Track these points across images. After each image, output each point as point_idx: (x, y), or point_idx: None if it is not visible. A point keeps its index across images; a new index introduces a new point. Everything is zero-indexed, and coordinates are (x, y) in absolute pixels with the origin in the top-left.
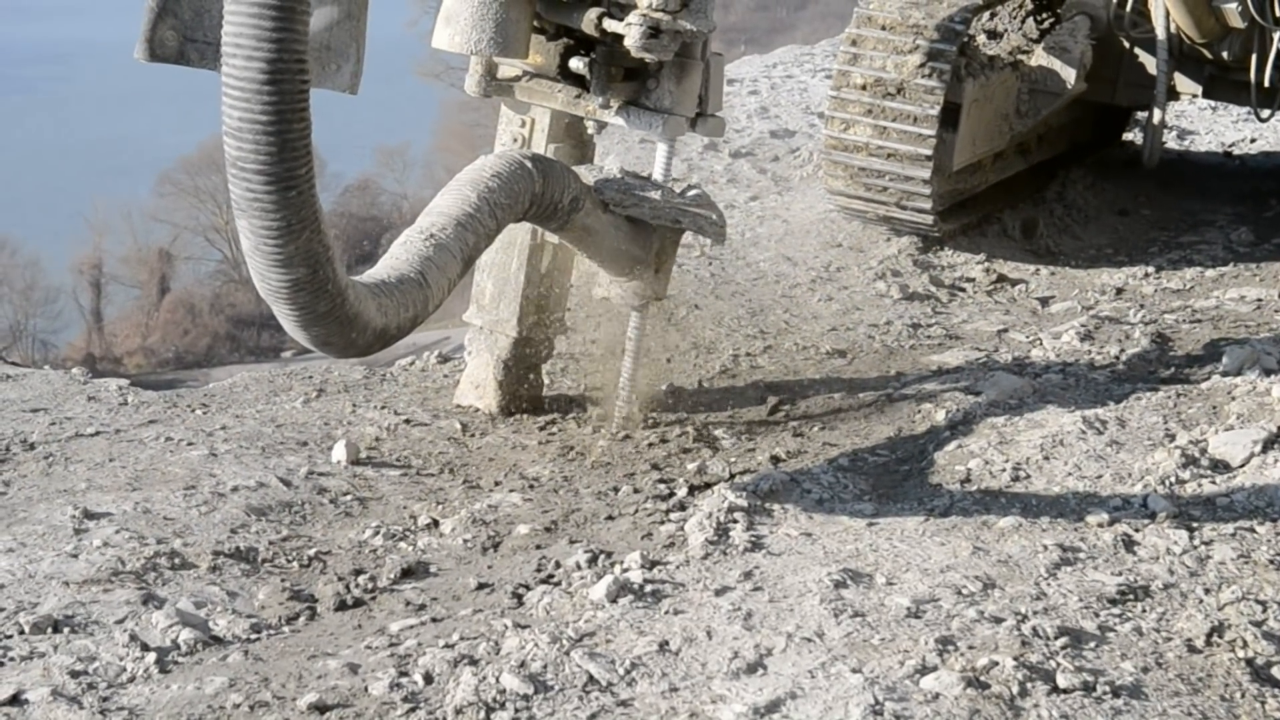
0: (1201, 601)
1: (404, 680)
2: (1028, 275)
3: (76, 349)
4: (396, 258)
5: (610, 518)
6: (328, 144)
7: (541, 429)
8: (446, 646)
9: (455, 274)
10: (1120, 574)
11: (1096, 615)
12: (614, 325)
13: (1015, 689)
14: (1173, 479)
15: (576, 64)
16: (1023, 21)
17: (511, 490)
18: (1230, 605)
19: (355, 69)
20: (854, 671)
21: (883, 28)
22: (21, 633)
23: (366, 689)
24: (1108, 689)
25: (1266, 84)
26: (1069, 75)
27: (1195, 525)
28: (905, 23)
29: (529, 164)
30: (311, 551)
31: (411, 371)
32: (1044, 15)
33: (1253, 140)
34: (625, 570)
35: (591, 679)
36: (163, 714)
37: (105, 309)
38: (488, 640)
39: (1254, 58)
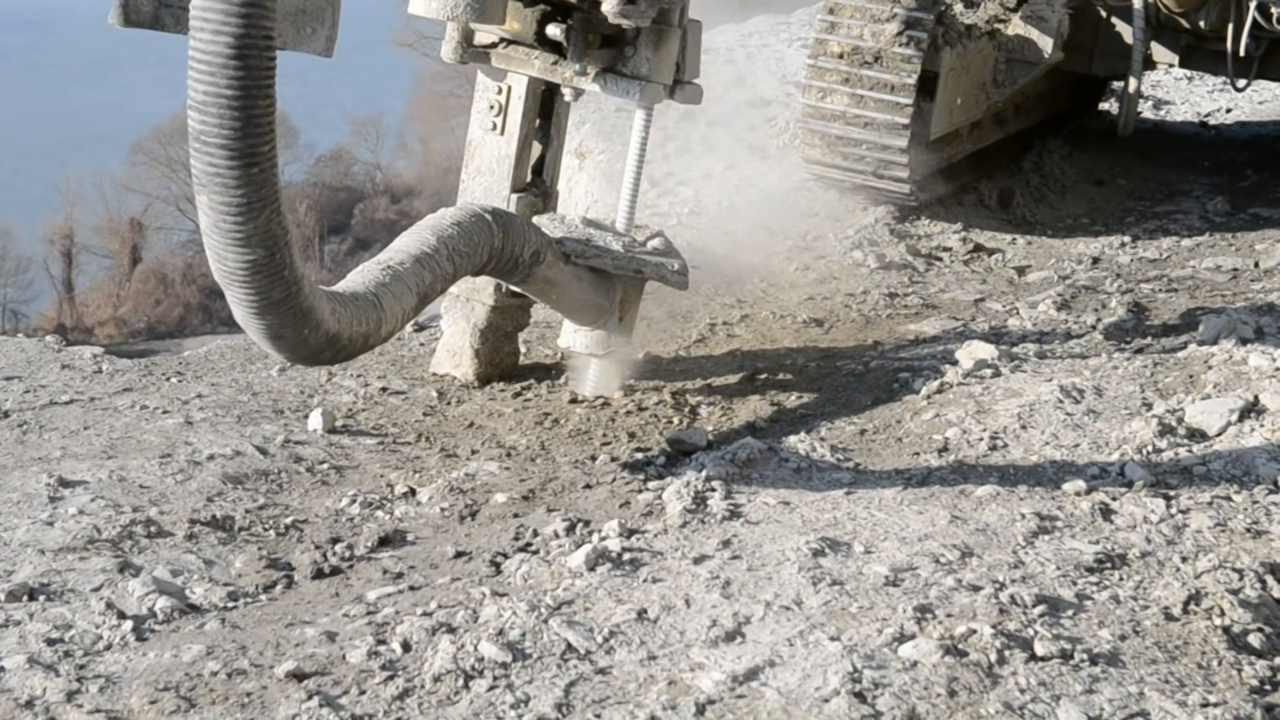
0: (1178, 570)
1: (382, 648)
2: (1004, 245)
3: (48, 319)
4: (353, 281)
5: (588, 486)
6: (301, 113)
7: (517, 396)
8: (424, 615)
9: (410, 306)
10: (1097, 542)
11: (1074, 583)
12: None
13: (993, 656)
14: (1150, 448)
15: (553, 30)
16: None
17: (489, 459)
18: (1207, 573)
19: (330, 33)
20: (832, 639)
21: None
22: None
23: (344, 657)
24: (1085, 657)
25: (1242, 53)
26: (1046, 44)
27: (1172, 494)
28: None
29: (489, 217)
30: (288, 520)
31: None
32: None
33: (1228, 110)
34: (603, 539)
35: (570, 647)
36: (140, 681)
37: (77, 279)
38: (466, 608)
39: (1230, 27)
